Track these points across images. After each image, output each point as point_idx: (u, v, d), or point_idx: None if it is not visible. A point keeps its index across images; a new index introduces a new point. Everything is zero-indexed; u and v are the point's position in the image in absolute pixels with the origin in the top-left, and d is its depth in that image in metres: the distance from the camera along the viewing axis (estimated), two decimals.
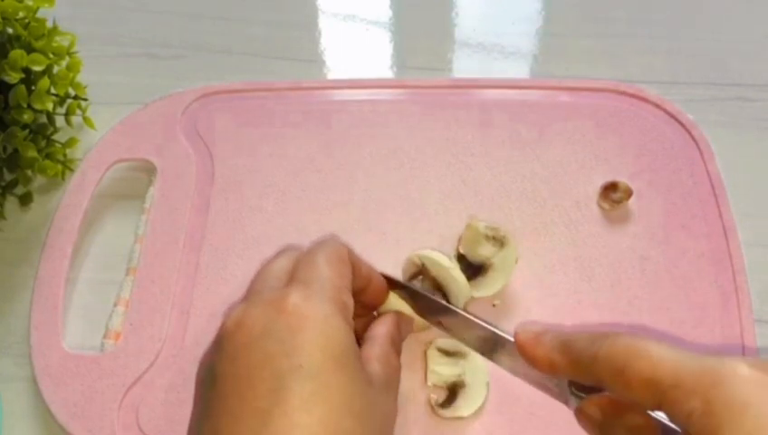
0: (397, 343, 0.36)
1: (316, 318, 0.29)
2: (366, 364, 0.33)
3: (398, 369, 0.35)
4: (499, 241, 0.44)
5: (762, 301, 0.46)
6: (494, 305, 0.46)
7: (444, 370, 0.42)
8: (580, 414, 0.29)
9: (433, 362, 0.43)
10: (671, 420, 0.26)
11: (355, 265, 0.35)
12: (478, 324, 0.36)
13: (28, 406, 0.44)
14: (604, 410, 0.28)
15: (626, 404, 0.28)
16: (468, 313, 0.37)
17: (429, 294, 0.39)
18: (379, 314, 0.39)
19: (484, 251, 0.44)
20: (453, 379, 0.42)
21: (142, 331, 0.45)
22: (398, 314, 0.39)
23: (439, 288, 0.43)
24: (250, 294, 0.33)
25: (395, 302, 0.40)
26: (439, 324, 0.39)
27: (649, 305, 0.45)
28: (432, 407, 0.42)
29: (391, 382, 0.34)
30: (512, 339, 0.33)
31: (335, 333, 0.30)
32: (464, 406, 0.41)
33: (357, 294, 0.35)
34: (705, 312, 0.45)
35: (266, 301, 0.31)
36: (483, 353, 0.37)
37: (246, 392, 0.28)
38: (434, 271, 0.42)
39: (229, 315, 0.31)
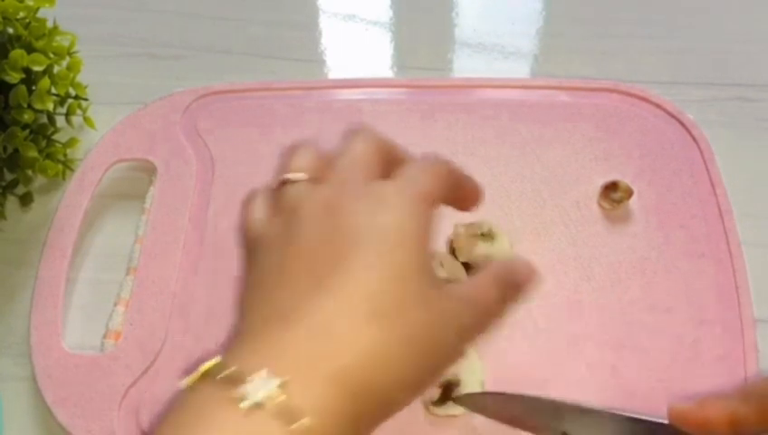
0: (504, 283, 0.31)
1: (397, 205, 0.28)
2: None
3: (490, 300, 0.30)
4: (488, 235, 0.44)
5: (762, 301, 0.46)
6: None
7: None
8: None
9: None
10: None
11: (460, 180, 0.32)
12: (616, 416, 0.31)
13: (28, 406, 0.44)
14: None
15: None
16: (606, 409, 0.32)
17: (543, 397, 0.34)
18: None
19: (481, 250, 0.45)
20: (447, 377, 0.42)
21: (142, 331, 0.45)
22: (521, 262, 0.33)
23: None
24: (332, 177, 0.30)
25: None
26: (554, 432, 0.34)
27: (649, 305, 0.45)
28: (426, 405, 0.42)
29: (471, 302, 0.29)
30: (656, 420, 0.30)
31: (418, 222, 0.28)
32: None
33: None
34: (705, 312, 0.45)
35: (354, 183, 0.29)
36: None
37: (314, 254, 0.27)
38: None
39: (309, 193, 0.29)
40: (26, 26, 0.50)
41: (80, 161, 0.54)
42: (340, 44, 0.64)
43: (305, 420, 0.23)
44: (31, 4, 0.50)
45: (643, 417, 0.30)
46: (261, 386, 0.23)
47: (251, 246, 0.30)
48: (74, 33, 0.53)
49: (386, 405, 0.26)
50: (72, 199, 0.51)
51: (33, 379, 0.44)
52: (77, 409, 0.43)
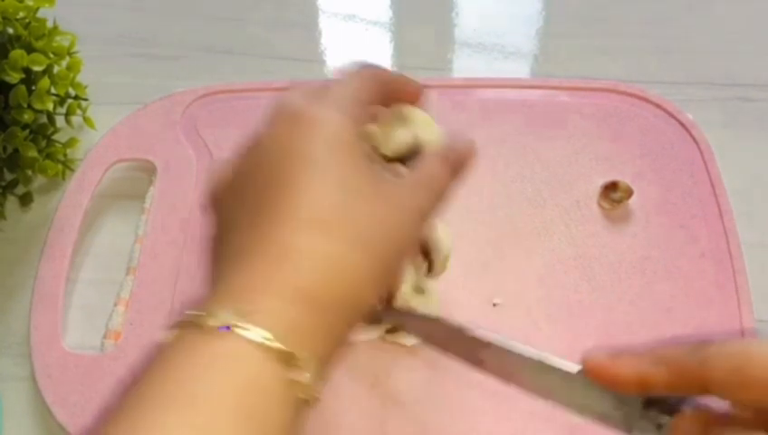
0: (448, 161, 0.34)
1: (318, 118, 0.29)
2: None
3: (441, 178, 0.32)
4: (402, 118, 0.42)
5: (762, 301, 0.46)
6: (494, 305, 0.46)
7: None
8: (677, 432, 0.28)
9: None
10: None
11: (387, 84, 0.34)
12: (531, 359, 0.33)
13: (28, 406, 0.44)
14: (702, 424, 0.27)
15: (722, 419, 0.27)
16: (520, 346, 0.34)
17: (469, 327, 0.35)
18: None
19: (402, 137, 0.41)
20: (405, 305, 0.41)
21: (142, 331, 0.45)
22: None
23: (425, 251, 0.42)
24: (275, 112, 0.33)
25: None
26: (481, 363, 0.35)
27: (649, 305, 0.45)
28: (381, 335, 0.43)
29: (425, 184, 0.31)
30: (570, 370, 0.31)
31: (335, 126, 0.29)
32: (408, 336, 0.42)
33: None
34: (705, 312, 0.45)
35: (281, 115, 0.31)
36: (534, 391, 0.34)
37: (251, 183, 0.29)
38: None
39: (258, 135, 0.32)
40: (26, 26, 0.50)
41: (80, 161, 0.54)
42: (340, 44, 0.64)
43: (276, 343, 0.24)
44: (31, 4, 0.50)
45: (556, 364, 0.32)
46: (227, 319, 0.25)
47: (216, 206, 0.32)
48: (74, 33, 0.53)
49: (356, 306, 0.28)
50: (72, 199, 0.51)
51: (33, 379, 0.44)
52: (77, 409, 0.43)
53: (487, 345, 0.34)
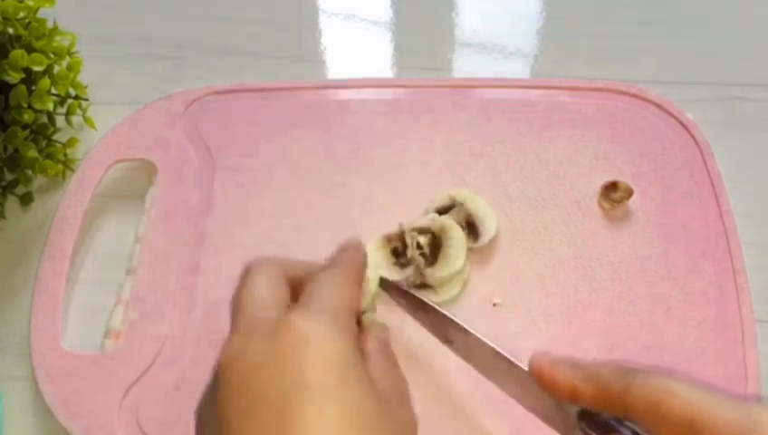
0: (392, 359, 0.36)
1: (316, 336, 0.29)
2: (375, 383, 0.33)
3: (403, 380, 0.34)
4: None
5: (762, 301, 0.46)
6: (494, 305, 0.46)
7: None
8: None
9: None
10: None
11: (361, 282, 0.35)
12: (488, 348, 0.36)
13: (28, 406, 0.44)
14: None
15: None
16: (479, 335, 0.37)
17: (442, 310, 0.39)
18: (361, 326, 0.37)
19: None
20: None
21: (142, 331, 0.45)
22: (376, 326, 0.38)
23: (471, 223, 0.47)
24: (240, 325, 0.31)
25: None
26: (449, 342, 0.40)
27: (649, 305, 0.45)
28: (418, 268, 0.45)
29: (402, 394, 0.33)
30: (522, 366, 0.33)
31: (338, 347, 0.29)
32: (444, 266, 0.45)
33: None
34: (706, 312, 0.45)
35: (263, 328, 0.30)
36: (489, 377, 0.37)
37: (255, 417, 0.27)
38: (470, 205, 0.47)
39: (224, 350, 0.30)
40: (26, 26, 0.50)
41: (80, 161, 0.54)
42: (340, 44, 0.64)
43: None
44: (31, 4, 0.50)
45: (508, 356, 0.35)
46: None
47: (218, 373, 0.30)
48: (74, 33, 0.53)
49: None
50: (72, 199, 0.51)
51: (33, 379, 0.44)
52: (77, 408, 0.43)
53: (456, 326, 0.38)
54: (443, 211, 0.48)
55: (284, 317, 0.29)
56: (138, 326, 0.46)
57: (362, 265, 0.35)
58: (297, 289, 0.33)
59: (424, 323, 0.41)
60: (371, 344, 0.35)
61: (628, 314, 0.45)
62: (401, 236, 0.47)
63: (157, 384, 0.43)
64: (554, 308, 0.45)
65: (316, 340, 0.28)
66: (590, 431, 0.30)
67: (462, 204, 0.48)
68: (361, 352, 0.33)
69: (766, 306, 0.46)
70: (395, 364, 0.35)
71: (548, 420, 0.33)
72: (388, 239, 0.47)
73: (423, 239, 0.47)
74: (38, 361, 0.45)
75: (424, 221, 0.47)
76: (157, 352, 0.44)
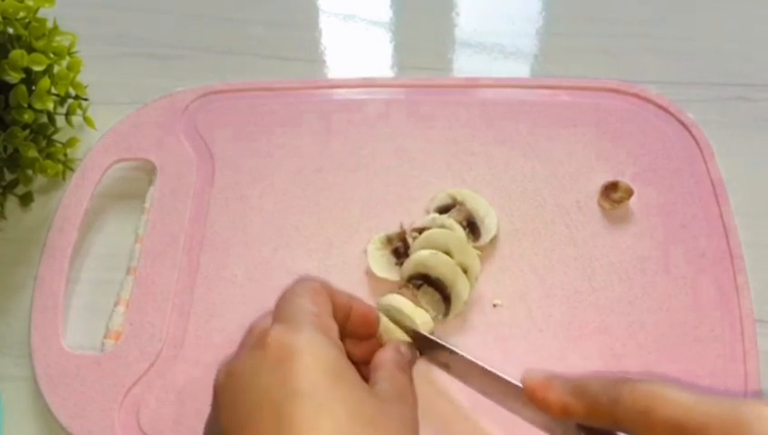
0: (402, 366, 0.36)
1: (300, 343, 0.30)
2: (373, 386, 0.33)
3: (408, 386, 0.35)
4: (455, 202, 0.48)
5: (762, 301, 0.46)
6: (494, 305, 0.46)
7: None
8: None
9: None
10: None
11: (333, 296, 0.35)
12: (484, 369, 0.37)
13: (28, 406, 0.44)
14: None
15: None
16: (473, 358, 0.38)
17: (435, 338, 0.40)
18: (384, 344, 0.39)
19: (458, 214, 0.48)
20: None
21: (142, 331, 0.45)
22: (400, 342, 0.39)
23: (472, 222, 0.47)
24: (237, 351, 0.33)
25: (393, 329, 0.41)
26: (446, 367, 0.40)
27: (649, 305, 0.45)
28: None
29: (404, 395, 0.34)
30: (518, 384, 0.34)
31: (323, 351, 0.30)
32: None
33: (342, 323, 0.36)
34: (705, 312, 0.45)
35: (251, 346, 0.31)
36: (488, 396, 0.38)
37: (253, 431, 0.28)
38: (470, 204, 0.48)
39: (219, 371, 0.32)
40: (26, 26, 0.50)
41: (80, 161, 0.54)
42: (340, 44, 0.64)
43: None
44: (31, 4, 0.50)
45: (501, 375, 0.36)
46: None
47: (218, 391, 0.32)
48: (74, 33, 0.53)
49: None
50: (72, 199, 0.51)
51: (33, 379, 0.44)
52: (77, 409, 0.43)
53: (453, 353, 0.39)
54: (444, 210, 0.48)
55: (266, 332, 0.31)
56: (138, 326, 0.46)
57: (317, 283, 0.36)
58: (338, 312, 0.35)
59: (421, 353, 0.41)
60: (387, 354, 0.37)
61: (628, 314, 0.45)
62: (402, 237, 0.47)
63: (157, 385, 0.43)
64: (554, 308, 0.45)
65: (300, 347, 0.29)
66: None
67: (462, 203, 0.48)
68: (373, 365, 0.36)
69: (766, 306, 0.46)
70: (405, 372, 0.36)
71: (549, 431, 0.34)
72: (389, 239, 0.47)
73: None
74: (38, 361, 0.45)
75: (425, 221, 0.47)
76: (157, 352, 0.44)
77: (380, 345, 0.39)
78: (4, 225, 0.53)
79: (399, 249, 0.47)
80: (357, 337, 0.38)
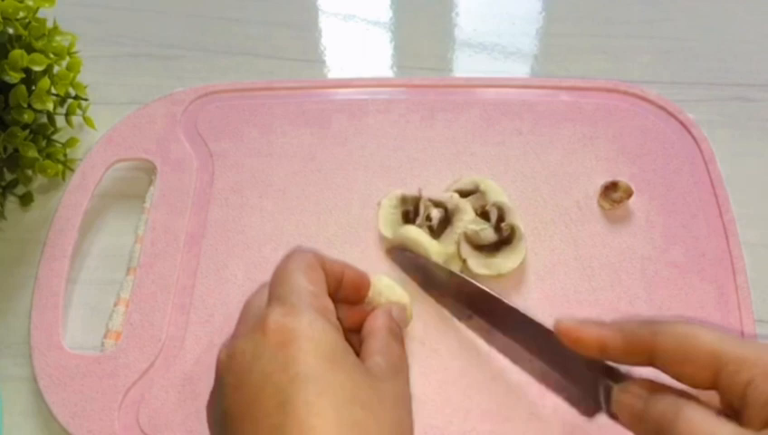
0: (395, 333, 0.37)
1: (301, 327, 0.30)
2: (367, 359, 0.34)
3: (401, 356, 0.35)
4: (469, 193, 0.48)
5: (762, 301, 0.46)
6: None
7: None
8: (619, 402, 0.31)
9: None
10: (724, 394, 0.27)
11: (325, 267, 0.36)
12: (513, 309, 0.37)
13: (28, 406, 0.44)
14: (644, 392, 0.30)
15: (662, 389, 0.29)
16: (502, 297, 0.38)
17: (472, 280, 0.41)
18: (374, 309, 0.39)
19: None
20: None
21: (142, 331, 0.45)
22: (392, 305, 0.39)
23: (485, 212, 0.47)
24: (236, 329, 0.34)
25: (384, 290, 0.40)
26: (467, 318, 0.41)
27: (649, 305, 0.45)
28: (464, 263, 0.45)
29: (398, 369, 0.34)
30: (550, 329, 0.34)
31: (322, 335, 0.30)
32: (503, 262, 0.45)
33: (334, 292, 0.36)
34: (705, 312, 0.45)
35: (250, 328, 0.32)
36: (508, 352, 0.38)
37: (256, 414, 0.29)
38: (491, 196, 0.47)
39: (220, 351, 0.32)
40: (26, 26, 0.50)
41: (80, 161, 0.54)
42: (340, 44, 0.64)
43: None
44: (31, 4, 0.50)
45: (536, 319, 0.36)
46: None
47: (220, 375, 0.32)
48: (74, 33, 0.53)
49: None
50: (72, 199, 0.51)
51: (33, 379, 0.44)
52: (77, 409, 0.43)
53: (481, 293, 0.39)
54: (464, 194, 0.49)
55: (265, 314, 0.31)
56: (138, 326, 0.46)
57: (311, 255, 0.36)
58: (331, 282, 0.35)
59: (438, 299, 0.42)
60: (380, 320, 0.37)
61: (629, 314, 0.45)
62: (416, 202, 0.47)
63: (157, 384, 0.43)
64: (554, 308, 0.45)
65: (299, 331, 0.30)
66: (609, 382, 0.31)
67: (484, 193, 0.48)
68: (365, 332, 0.36)
69: (766, 306, 0.46)
70: (398, 340, 0.36)
71: (564, 394, 0.34)
72: (404, 200, 0.48)
73: (435, 212, 0.47)
74: (38, 361, 0.45)
75: (442, 197, 0.48)
76: (157, 352, 0.44)
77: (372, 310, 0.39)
78: (5, 225, 0.53)
79: (409, 213, 0.48)
80: (348, 302, 0.38)
